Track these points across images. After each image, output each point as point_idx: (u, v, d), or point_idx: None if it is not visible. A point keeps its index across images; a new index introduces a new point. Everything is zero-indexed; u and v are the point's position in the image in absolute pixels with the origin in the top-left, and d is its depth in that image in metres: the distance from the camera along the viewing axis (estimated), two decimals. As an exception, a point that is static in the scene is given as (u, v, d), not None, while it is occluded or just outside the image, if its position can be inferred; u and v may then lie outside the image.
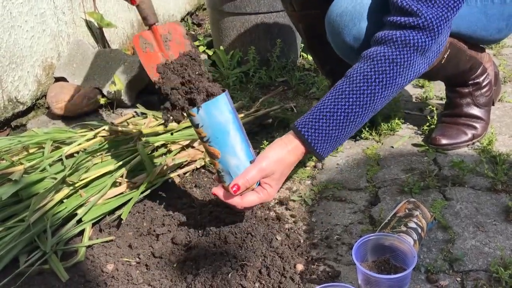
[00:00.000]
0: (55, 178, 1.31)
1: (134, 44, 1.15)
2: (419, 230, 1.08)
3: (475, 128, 1.56)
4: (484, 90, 1.58)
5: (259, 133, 1.74)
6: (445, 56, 1.37)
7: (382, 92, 1.06)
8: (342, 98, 1.05)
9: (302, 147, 1.07)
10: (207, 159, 1.46)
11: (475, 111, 1.58)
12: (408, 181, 1.37)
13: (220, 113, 1.02)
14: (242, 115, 1.77)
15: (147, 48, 1.13)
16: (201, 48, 2.48)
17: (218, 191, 1.07)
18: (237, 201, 1.05)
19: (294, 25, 1.74)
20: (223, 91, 1.05)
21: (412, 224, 1.08)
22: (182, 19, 3.16)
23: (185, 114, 1.07)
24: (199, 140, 1.55)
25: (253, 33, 2.26)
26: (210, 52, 2.44)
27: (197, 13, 3.38)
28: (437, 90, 1.95)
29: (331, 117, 1.05)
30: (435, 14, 1.04)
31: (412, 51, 1.06)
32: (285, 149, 1.06)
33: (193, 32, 3.06)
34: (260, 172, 1.04)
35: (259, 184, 1.07)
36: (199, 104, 1.03)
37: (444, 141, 1.52)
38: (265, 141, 1.55)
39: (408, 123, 1.73)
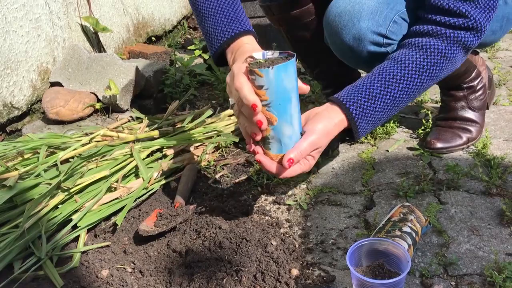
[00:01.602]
0: (50, 184, 1.31)
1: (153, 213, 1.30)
2: (414, 235, 1.08)
3: (470, 131, 1.56)
4: (479, 93, 1.58)
5: (254, 137, 1.73)
6: None
7: (428, 83, 1.10)
8: (393, 82, 1.07)
9: (346, 122, 1.07)
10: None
11: (469, 114, 1.58)
12: (403, 185, 1.37)
13: (288, 79, 0.95)
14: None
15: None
16: (197, 52, 2.48)
17: (263, 159, 1.04)
18: (281, 171, 1.04)
19: (278, 30, 1.73)
20: (292, 56, 0.98)
21: (406, 229, 1.08)
22: (178, 23, 3.17)
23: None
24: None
25: (249, 37, 2.26)
26: (206, 56, 2.45)
27: (193, 17, 3.38)
28: (432, 94, 1.95)
29: (379, 99, 1.06)
30: (481, 15, 1.08)
31: (461, 48, 1.10)
32: (332, 122, 1.05)
33: (189, 36, 3.06)
34: (311, 146, 1.03)
35: None
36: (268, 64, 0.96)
37: (439, 145, 1.53)
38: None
39: (403, 127, 1.73)
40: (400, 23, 1.22)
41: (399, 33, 1.23)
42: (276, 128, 0.99)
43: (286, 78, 0.95)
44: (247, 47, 1.08)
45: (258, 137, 1.01)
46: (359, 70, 1.70)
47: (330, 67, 1.62)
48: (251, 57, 1.00)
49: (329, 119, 1.05)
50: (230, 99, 1.10)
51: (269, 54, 1.01)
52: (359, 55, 1.27)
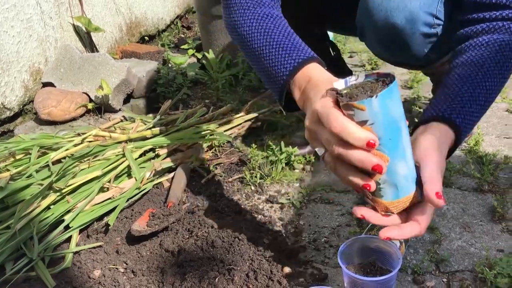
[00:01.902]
0: (42, 184, 1.31)
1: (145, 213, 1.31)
2: (406, 232, 1.08)
3: None
4: None
5: (248, 136, 1.74)
6: None
7: (507, 78, 1.01)
8: (479, 83, 0.95)
9: (454, 137, 0.89)
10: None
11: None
12: (395, 182, 1.37)
13: (395, 106, 0.75)
14: (231, 118, 1.77)
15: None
16: (190, 51, 2.47)
17: (369, 214, 0.80)
18: (423, 223, 0.78)
19: None
20: (387, 76, 0.77)
21: (398, 226, 1.08)
22: (172, 22, 3.16)
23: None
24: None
25: (242, 36, 2.26)
26: (200, 55, 2.44)
27: (186, 16, 3.38)
28: (425, 91, 1.96)
29: (473, 102, 0.93)
30: None
31: None
32: (446, 144, 0.87)
33: (182, 35, 3.06)
34: (442, 172, 0.81)
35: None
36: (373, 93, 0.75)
37: None
38: (253, 144, 1.55)
39: (396, 125, 1.74)
40: (444, 4, 1.19)
41: (445, 14, 1.19)
42: (388, 170, 0.77)
43: (393, 105, 0.75)
44: (318, 77, 0.87)
45: (373, 187, 0.76)
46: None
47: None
48: (333, 89, 0.78)
49: (443, 143, 0.86)
50: (317, 149, 0.83)
51: (353, 80, 0.80)
52: (410, 38, 1.22)
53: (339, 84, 0.80)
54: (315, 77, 0.87)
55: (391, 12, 1.22)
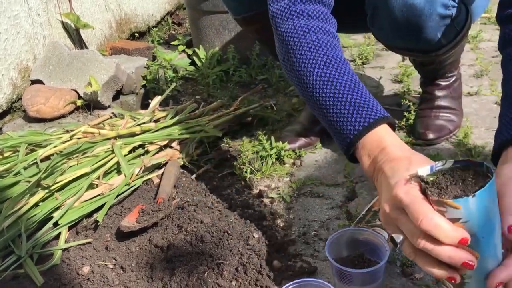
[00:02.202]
0: (30, 181, 1.30)
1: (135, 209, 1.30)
2: (394, 224, 1.08)
3: (454, 119, 1.58)
4: (458, 82, 1.62)
5: (239, 131, 1.73)
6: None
7: None
8: None
9: None
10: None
11: (452, 103, 1.60)
12: (385, 175, 1.37)
13: (492, 204, 0.69)
14: (222, 113, 1.77)
15: None
16: (181, 48, 2.46)
17: None
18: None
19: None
20: (481, 165, 0.70)
21: (387, 218, 1.08)
22: (162, 19, 3.14)
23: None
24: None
25: (232, 31, 2.25)
26: (190, 51, 2.43)
27: (177, 12, 3.36)
28: (415, 85, 1.96)
29: None
30: None
31: None
32: None
33: (173, 32, 3.05)
34: None
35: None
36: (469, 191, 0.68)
37: (431, 136, 1.53)
38: (244, 140, 1.55)
39: (386, 118, 1.74)
40: None
41: None
42: (477, 266, 0.70)
43: (490, 203, 0.69)
44: (394, 149, 0.78)
45: (458, 280, 0.70)
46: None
47: None
48: (417, 176, 0.71)
49: None
50: (394, 235, 0.82)
51: (439, 165, 0.73)
52: (427, 19, 1.20)
53: (425, 171, 0.72)
54: (389, 147, 0.78)
55: None
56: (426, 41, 1.28)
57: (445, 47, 1.33)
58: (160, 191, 1.35)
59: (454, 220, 0.67)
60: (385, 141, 0.79)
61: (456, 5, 1.22)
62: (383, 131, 0.82)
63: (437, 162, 0.73)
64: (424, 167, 0.72)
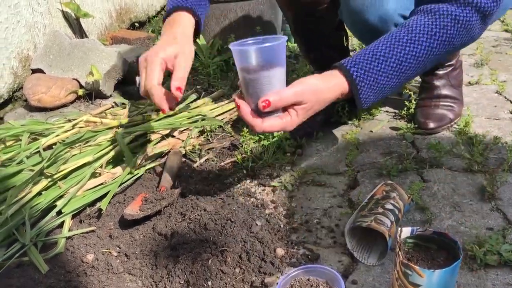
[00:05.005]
0: (33, 170, 1.30)
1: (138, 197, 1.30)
2: (396, 212, 1.09)
3: (454, 108, 1.58)
4: (457, 71, 1.62)
5: (239, 121, 1.73)
6: None
7: (438, 49, 1.02)
8: (398, 45, 1.00)
9: (346, 85, 0.98)
10: None
11: (451, 92, 1.60)
12: (386, 164, 1.38)
13: (452, 280, 0.83)
14: (223, 103, 1.77)
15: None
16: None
17: (242, 104, 0.96)
18: (258, 123, 0.95)
19: (282, 12, 1.72)
20: (459, 249, 0.84)
21: (389, 206, 1.09)
22: (162, 9, 3.13)
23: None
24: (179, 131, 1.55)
25: (233, 21, 2.25)
26: (190, 41, 2.43)
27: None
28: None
29: (383, 62, 0.99)
30: None
31: (475, 12, 1.01)
32: (326, 83, 0.97)
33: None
34: (295, 96, 0.94)
35: (284, 110, 0.97)
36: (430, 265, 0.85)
37: (432, 125, 1.54)
38: (245, 129, 1.55)
39: (387, 107, 1.74)
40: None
41: None
42: None
43: (450, 280, 0.82)
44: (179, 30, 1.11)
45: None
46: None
47: (328, 52, 1.62)
48: (400, 236, 0.87)
49: (323, 79, 0.97)
50: (137, 78, 1.00)
51: (419, 231, 0.88)
52: (380, 35, 1.21)
53: (406, 231, 0.87)
54: (178, 28, 1.13)
55: (367, 8, 1.23)
56: None
57: None
58: (163, 180, 1.35)
59: (414, 285, 0.81)
60: (180, 24, 1.15)
61: None
62: (185, 16, 1.16)
63: (418, 227, 0.87)
64: (406, 228, 0.87)
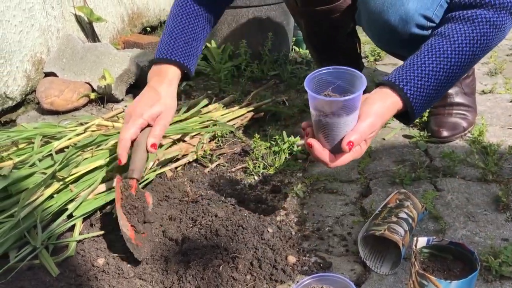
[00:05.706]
0: (45, 173, 1.30)
1: (115, 185, 1.22)
2: (410, 220, 1.08)
3: (468, 117, 1.57)
4: (470, 79, 1.60)
5: (250, 126, 1.73)
6: None
7: (479, 54, 1.05)
8: (444, 57, 1.01)
9: (401, 104, 0.99)
10: None
11: (464, 100, 1.59)
12: (399, 172, 1.37)
13: None
14: (234, 109, 1.77)
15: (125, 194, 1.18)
16: (193, 42, 2.46)
17: (315, 144, 0.95)
18: (331, 159, 0.95)
19: (294, 19, 1.72)
20: (475, 259, 0.84)
21: (402, 215, 1.08)
22: (173, 14, 3.15)
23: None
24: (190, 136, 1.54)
25: (245, 26, 2.25)
26: (202, 46, 2.43)
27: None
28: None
29: (433, 76, 1.00)
30: None
31: (508, 14, 1.03)
32: (384, 103, 0.98)
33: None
34: (370, 128, 0.94)
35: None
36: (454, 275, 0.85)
37: (446, 133, 1.53)
38: (256, 135, 1.55)
39: (399, 115, 1.73)
40: (444, 7, 1.18)
41: (442, 17, 1.19)
42: None
43: None
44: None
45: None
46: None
47: (340, 59, 1.61)
48: (416, 245, 0.89)
49: (382, 101, 0.98)
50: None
51: (435, 241, 0.89)
52: (400, 36, 1.23)
53: (422, 241, 0.88)
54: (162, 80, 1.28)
55: (388, 8, 1.22)
56: (405, 51, 1.25)
57: None
58: (131, 165, 1.21)
59: None
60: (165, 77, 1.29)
61: (435, 25, 1.19)
62: (172, 70, 1.30)
63: (434, 237, 0.88)
64: (422, 238, 0.88)
